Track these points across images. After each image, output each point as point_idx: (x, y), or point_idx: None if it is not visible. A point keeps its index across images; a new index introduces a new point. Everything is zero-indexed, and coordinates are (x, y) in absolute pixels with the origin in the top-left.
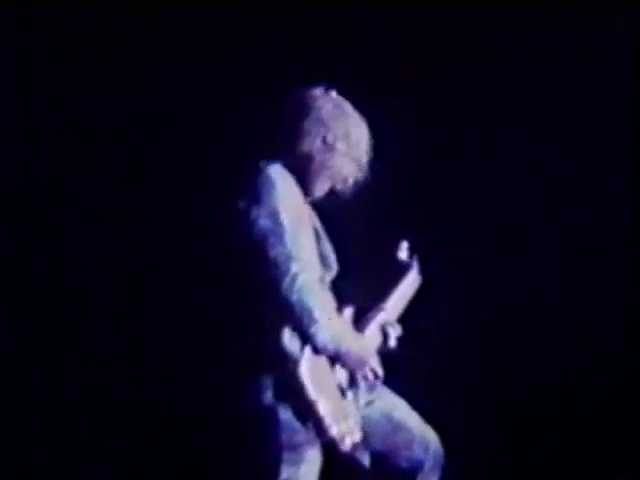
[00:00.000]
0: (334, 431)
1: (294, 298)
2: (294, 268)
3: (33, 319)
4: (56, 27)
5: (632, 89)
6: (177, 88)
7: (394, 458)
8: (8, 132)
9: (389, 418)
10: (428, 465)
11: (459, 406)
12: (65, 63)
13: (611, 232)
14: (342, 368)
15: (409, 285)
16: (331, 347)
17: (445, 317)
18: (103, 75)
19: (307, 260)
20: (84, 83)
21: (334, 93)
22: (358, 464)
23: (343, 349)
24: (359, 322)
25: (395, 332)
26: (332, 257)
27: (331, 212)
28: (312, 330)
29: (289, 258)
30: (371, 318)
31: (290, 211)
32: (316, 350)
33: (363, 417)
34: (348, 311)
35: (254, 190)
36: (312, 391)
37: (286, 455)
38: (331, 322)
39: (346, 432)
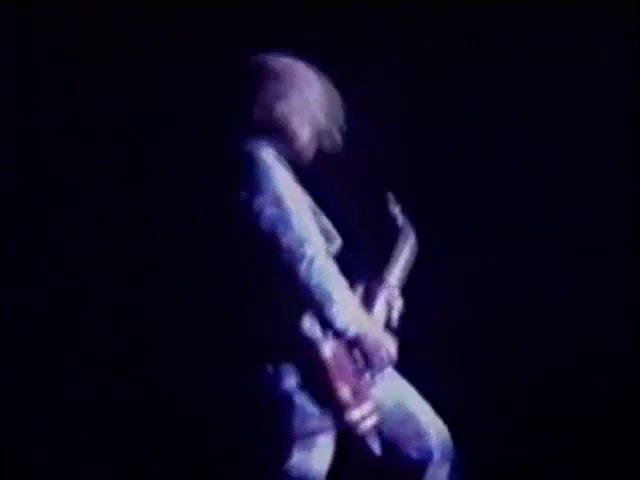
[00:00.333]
0: (352, 416)
1: (313, 282)
2: (309, 252)
3: (33, 319)
4: (56, 27)
5: (632, 89)
6: (177, 88)
7: (404, 447)
8: (8, 132)
9: (402, 407)
10: (437, 457)
11: (459, 406)
12: (65, 63)
13: (611, 232)
14: (358, 350)
15: (407, 249)
16: (352, 329)
17: (445, 317)
18: (103, 75)
19: (317, 241)
20: (84, 83)
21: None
22: (369, 451)
23: (361, 330)
24: (367, 299)
25: (398, 306)
26: (332, 230)
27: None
28: (332, 313)
29: (301, 242)
30: (376, 294)
31: (290, 193)
32: (336, 334)
33: (376, 403)
34: (359, 290)
35: (253, 179)
36: (334, 376)
37: (298, 440)
38: (349, 304)
39: (363, 417)
